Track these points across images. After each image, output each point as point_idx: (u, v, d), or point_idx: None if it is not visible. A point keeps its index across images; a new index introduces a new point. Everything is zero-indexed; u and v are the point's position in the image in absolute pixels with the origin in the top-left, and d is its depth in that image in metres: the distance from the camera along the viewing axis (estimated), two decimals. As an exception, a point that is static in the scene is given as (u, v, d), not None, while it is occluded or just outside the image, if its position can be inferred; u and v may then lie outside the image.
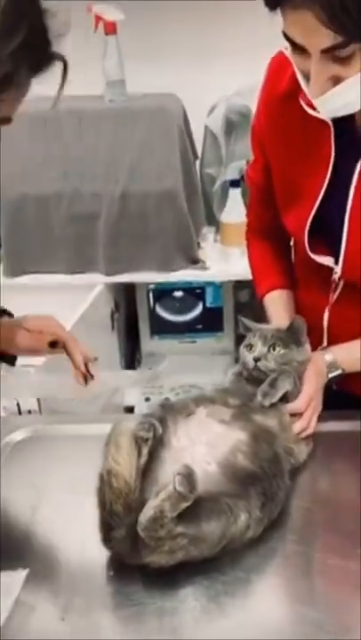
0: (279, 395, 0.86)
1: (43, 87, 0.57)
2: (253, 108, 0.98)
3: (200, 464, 0.73)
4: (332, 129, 0.83)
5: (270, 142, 0.94)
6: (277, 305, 1.04)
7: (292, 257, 1.08)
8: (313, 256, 0.91)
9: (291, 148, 0.90)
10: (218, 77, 1.79)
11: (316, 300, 0.97)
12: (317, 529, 0.79)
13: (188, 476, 0.65)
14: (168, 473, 0.70)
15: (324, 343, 0.98)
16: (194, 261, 1.82)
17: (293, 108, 0.85)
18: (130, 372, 1.88)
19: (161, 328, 2.11)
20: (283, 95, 0.88)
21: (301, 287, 1.05)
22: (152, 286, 2.04)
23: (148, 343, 2.14)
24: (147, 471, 0.71)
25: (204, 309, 2.08)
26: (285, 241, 1.07)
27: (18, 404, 1.38)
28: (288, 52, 0.75)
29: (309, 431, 0.88)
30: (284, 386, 0.87)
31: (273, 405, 0.86)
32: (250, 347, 0.91)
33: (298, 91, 0.83)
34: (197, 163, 1.90)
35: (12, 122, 0.57)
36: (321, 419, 0.91)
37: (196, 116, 1.79)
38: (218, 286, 2.03)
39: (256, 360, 0.88)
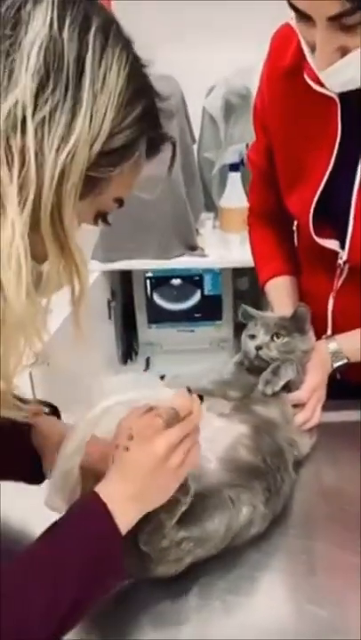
0: (282, 383, 0.84)
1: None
2: (253, 90, 0.95)
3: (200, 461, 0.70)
4: (338, 105, 0.80)
5: (273, 121, 0.91)
6: (280, 292, 1.02)
7: (296, 241, 1.05)
8: (317, 240, 0.89)
9: (295, 127, 0.87)
10: (216, 58, 1.76)
11: (321, 287, 0.95)
12: (321, 523, 0.77)
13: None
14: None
15: (329, 331, 0.96)
16: (192, 248, 1.80)
17: (298, 84, 0.82)
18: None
19: (158, 317, 2.09)
20: (287, 70, 0.85)
21: (305, 273, 1.02)
22: (149, 274, 2.00)
23: (146, 332, 2.12)
24: None
25: (203, 297, 2.05)
26: (289, 225, 1.04)
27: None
28: (293, 22, 0.71)
29: (313, 422, 0.86)
30: (287, 374, 0.84)
31: (275, 395, 0.83)
32: (252, 335, 0.88)
33: (303, 65, 0.80)
34: (195, 147, 1.86)
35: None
36: (325, 409, 0.88)
37: (193, 98, 1.76)
38: (217, 273, 2.00)
39: (258, 349, 0.86)
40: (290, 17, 0.71)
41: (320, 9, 0.63)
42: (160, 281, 2.03)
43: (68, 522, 0.56)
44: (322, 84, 0.76)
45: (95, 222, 0.59)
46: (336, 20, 0.64)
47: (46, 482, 0.69)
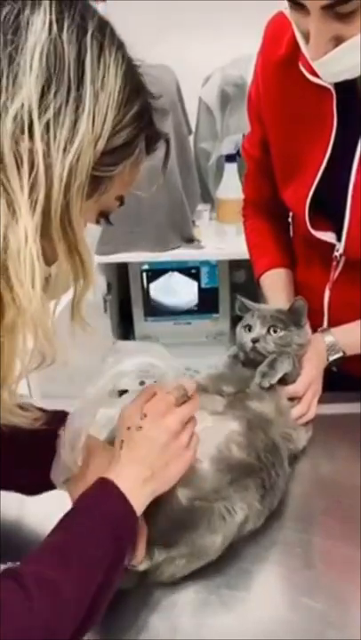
0: (279, 375, 0.83)
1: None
2: (249, 79, 0.93)
3: None
4: (334, 96, 0.79)
5: (268, 111, 0.90)
6: (275, 285, 1.01)
7: (291, 233, 1.04)
8: (313, 232, 0.88)
9: (290, 118, 0.86)
10: (212, 47, 1.74)
11: (317, 280, 0.94)
12: (318, 516, 0.77)
13: None
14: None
15: (325, 324, 0.95)
16: (188, 240, 1.78)
17: (293, 74, 0.81)
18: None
19: (155, 310, 2.08)
20: (281, 60, 0.84)
21: (301, 265, 1.01)
22: (145, 267, 1.99)
23: (142, 325, 2.11)
24: None
25: (200, 290, 2.04)
26: (284, 217, 1.03)
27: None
28: (287, 11, 0.70)
29: (309, 416, 0.86)
30: (284, 367, 0.84)
31: (271, 388, 0.83)
32: (248, 327, 0.87)
33: (298, 55, 0.78)
34: (191, 137, 1.84)
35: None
36: (321, 401, 0.88)
37: (189, 88, 1.74)
38: (213, 266, 1.99)
39: (254, 341, 0.85)
40: (284, 6, 0.70)
41: None
42: (156, 273, 2.01)
43: (85, 507, 0.58)
44: (317, 75, 0.75)
45: (98, 221, 0.59)
46: (330, 9, 0.63)
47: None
